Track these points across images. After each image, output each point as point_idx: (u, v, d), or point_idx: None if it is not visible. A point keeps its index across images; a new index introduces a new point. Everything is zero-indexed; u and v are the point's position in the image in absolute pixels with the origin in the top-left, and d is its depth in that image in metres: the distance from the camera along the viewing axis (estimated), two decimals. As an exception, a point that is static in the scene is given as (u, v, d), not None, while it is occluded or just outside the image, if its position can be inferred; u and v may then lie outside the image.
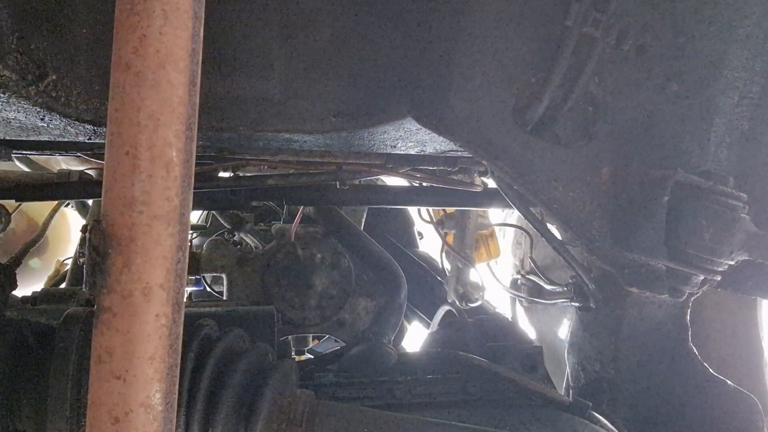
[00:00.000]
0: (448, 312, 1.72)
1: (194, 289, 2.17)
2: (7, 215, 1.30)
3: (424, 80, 0.91)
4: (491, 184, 1.56)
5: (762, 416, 1.10)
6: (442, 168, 1.45)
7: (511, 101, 0.88)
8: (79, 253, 1.95)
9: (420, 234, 2.42)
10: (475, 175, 1.53)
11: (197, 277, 1.95)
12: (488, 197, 1.54)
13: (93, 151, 1.30)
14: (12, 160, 1.41)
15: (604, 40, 0.85)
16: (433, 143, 1.19)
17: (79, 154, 1.34)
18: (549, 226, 1.25)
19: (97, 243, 0.53)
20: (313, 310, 1.71)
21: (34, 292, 1.56)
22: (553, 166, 0.89)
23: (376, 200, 1.57)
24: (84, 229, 1.85)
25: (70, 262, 2.14)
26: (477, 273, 1.87)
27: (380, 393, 1.12)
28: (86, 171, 1.52)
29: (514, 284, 2.14)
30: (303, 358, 1.89)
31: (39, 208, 2.46)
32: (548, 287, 1.87)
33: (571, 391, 1.32)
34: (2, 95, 0.87)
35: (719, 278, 0.84)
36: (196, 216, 2.46)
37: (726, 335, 1.50)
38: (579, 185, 0.90)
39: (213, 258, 1.71)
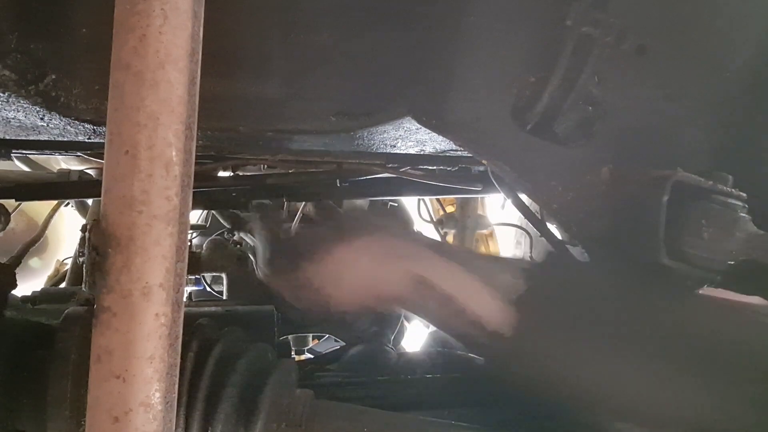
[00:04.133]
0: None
1: (194, 288, 2.17)
2: (6, 215, 1.30)
3: (424, 79, 0.91)
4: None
5: None
6: (441, 168, 1.45)
7: (511, 100, 0.88)
8: (79, 253, 1.95)
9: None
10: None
11: (197, 276, 1.95)
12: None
13: (93, 150, 1.30)
14: (12, 160, 1.41)
15: (604, 39, 0.85)
16: (433, 143, 1.19)
17: (78, 153, 1.34)
18: (549, 225, 1.25)
19: (97, 242, 0.53)
20: (313, 309, 1.71)
21: (33, 292, 1.56)
22: (552, 165, 0.89)
23: (375, 192, 1.56)
24: (84, 229, 1.86)
25: (69, 261, 2.14)
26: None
27: (380, 393, 1.12)
28: (86, 170, 1.52)
29: (514, 284, 2.13)
30: (303, 358, 1.89)
31: (39, 208, 2.46)
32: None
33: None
34: (2, 95, 0.87)
35: (719, 278, 0.83)
36: (196, 216, 2.46)
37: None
38: (578, 185, 0.89)
39: (213, 258, 1.71)
